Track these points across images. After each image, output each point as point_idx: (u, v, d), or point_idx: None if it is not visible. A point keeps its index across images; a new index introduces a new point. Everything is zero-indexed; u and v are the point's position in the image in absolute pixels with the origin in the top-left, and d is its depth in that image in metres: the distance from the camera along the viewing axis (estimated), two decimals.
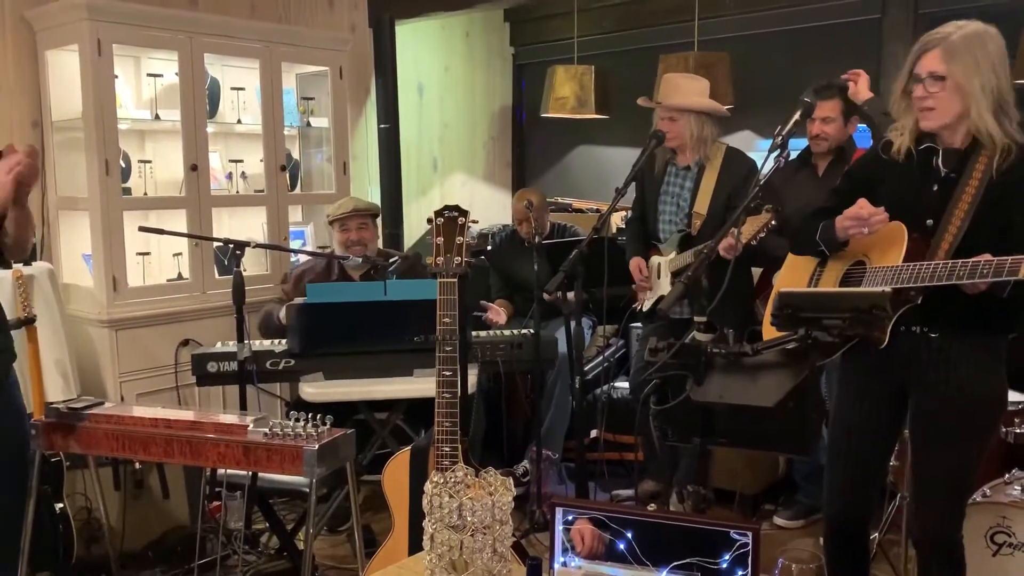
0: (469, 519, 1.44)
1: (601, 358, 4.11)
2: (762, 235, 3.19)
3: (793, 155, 3.58)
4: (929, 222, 2.07)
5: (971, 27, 2.04)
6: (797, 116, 2.16)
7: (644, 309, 3.68)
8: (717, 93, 3.58)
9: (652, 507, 1.62)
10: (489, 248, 4.64)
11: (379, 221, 3.82)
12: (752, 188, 2.09)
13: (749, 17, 4.66)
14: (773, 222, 3.16)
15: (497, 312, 3.84)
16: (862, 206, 2.06)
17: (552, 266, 3.23)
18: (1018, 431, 2.72)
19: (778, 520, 3.63)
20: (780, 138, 2.08)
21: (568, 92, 4.93)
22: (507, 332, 3.58)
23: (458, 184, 5.63)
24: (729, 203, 3.39)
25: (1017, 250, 1.87)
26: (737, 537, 1.41)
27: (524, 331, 3.51)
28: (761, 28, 4.66)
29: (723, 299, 2.15)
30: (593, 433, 3.99)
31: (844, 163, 3.34)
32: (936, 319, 2.06)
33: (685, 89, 3.44)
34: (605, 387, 4.14)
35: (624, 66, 5.07)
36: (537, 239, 3.50)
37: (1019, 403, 2.98)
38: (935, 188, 2.10)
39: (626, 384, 4.09)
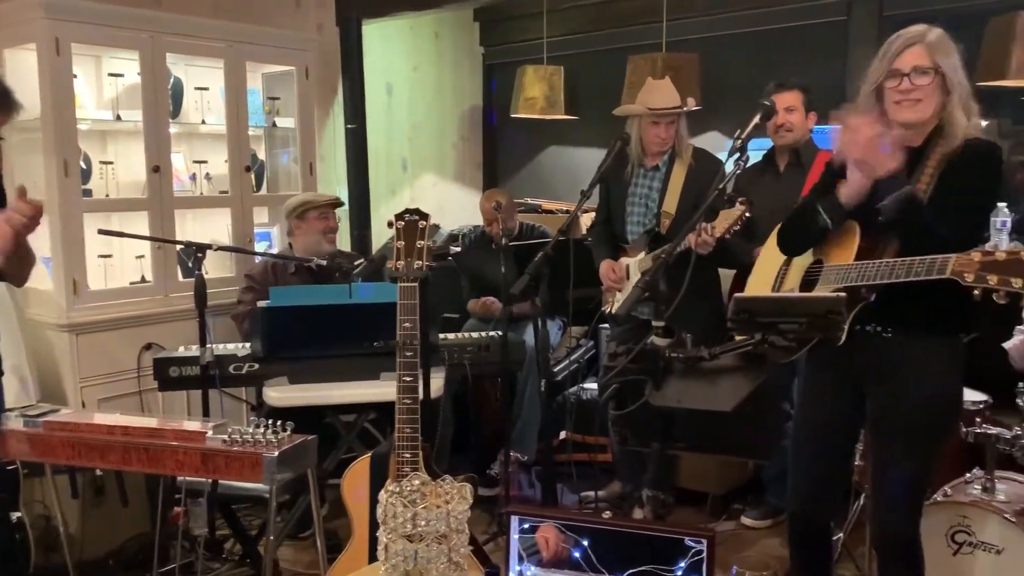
0: (423, 528, 1.42)
1: (568, 360, 4.09)
2: (736, 228, 3.20)
3: (757, 156, 3.60)
4: (881, 219, 2.08)
5: (938, 29, 2.10)
6: (757, 119, 2.16)
7: (613, 311, 3.68)
8: (685, 94, 3.59)
9: (607, 515, 1.61)
10: (458, 250, 4.62)
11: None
12: (711, 191, 2.08)
13: (716, 19, 4.67)
14: (747, 214, 3.18)
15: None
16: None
17: (519, 267, 3.22)
18: (978, 431, 2.74)
19: (746, 520, 3.63)
20: (740, 141, 2.08)
21: (538, 93, 4.92)
22: (475, 334, 3.56)
23: (428, 185, 5.60)
24: (698, 203, 3.40)
25: (954, 244, 1.89)
26: (692, 544, 1.40)
27: (492, 333, 3.50)
28: (728, 30, 4.67)
29: (691, 301, 2.15)
30: (562, 435, 3.98)
31: (801, 165, 3.36)
32: (891, 318, 2.08)
33: (671, 91, 3.47)
34: (574, 388, 4.13)
35: (594, 67, 5.07)
36: (505, 240, 3.48)
37: (980, 403, 3.01)
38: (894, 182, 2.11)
39: (595, 385, 4.09)
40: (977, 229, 2.11)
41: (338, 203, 3.84)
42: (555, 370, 3.98)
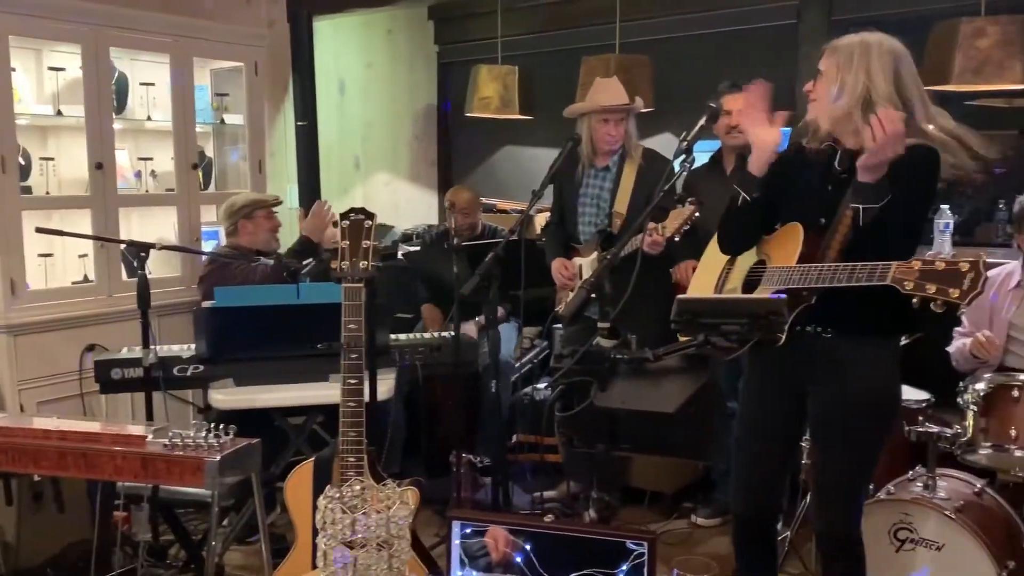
0: (363, 535, 1.39)
1: (519, 363, 4.08)
2: (686, 228, 3.22)
3: (705, 158, 3.63)
4: (822, 221, 2.11)
5: (867, 36, 2.13)
6: (703, 121, 2.18)
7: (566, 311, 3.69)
8: (636, 94, 3.61)
9: (549, 518, 1.60)
10: (410, 250, 4.59)
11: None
12: (657, 193, 2.09)
13: (669, 20, 4.70)
14: (696, 214, 3.20)
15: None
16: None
17: (473, 268, 3.20)
18: (920, 430, 2.79)
19: (697, 519, 3.66)
20: (686, 143, 2.09)
21: (492, 92, 4.90)
22: (426, 335, 3.53)
23: (381, 184, 5.55)
24: (648, 203, 3.42)
25: (893, 248, 1.93)
26: (634, 547, 1.40)
27: (443, 333, 3.48)
28: (681, 32, 4.70)
29: (639, 302, 2.14)
30: (515, 437, 3.97)
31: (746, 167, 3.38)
32: (831, 319, 2.10)
33: (620, 89, 3.48)
34: (527, 389, 4.12)
35: (548, 67, 5.06)
36: (456, 241, 3.46)
37: (922, 402, 3.07)
38: (830, 188, 2.15)
39: (548, 385, 4.08)
40: (911, 237, 2.12)
41: (279, 203, 3.85)
42: (515, 365, 3.97)
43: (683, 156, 2.11)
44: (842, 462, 2.19)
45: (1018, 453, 2.65)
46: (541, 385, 4.16)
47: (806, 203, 2.15)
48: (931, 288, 1.75)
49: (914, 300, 1.78)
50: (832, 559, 2.26)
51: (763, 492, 2.34)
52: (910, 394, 3.11)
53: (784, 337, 1.95)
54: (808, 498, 3.10)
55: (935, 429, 2.72)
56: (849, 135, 2.13)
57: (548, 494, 3.70)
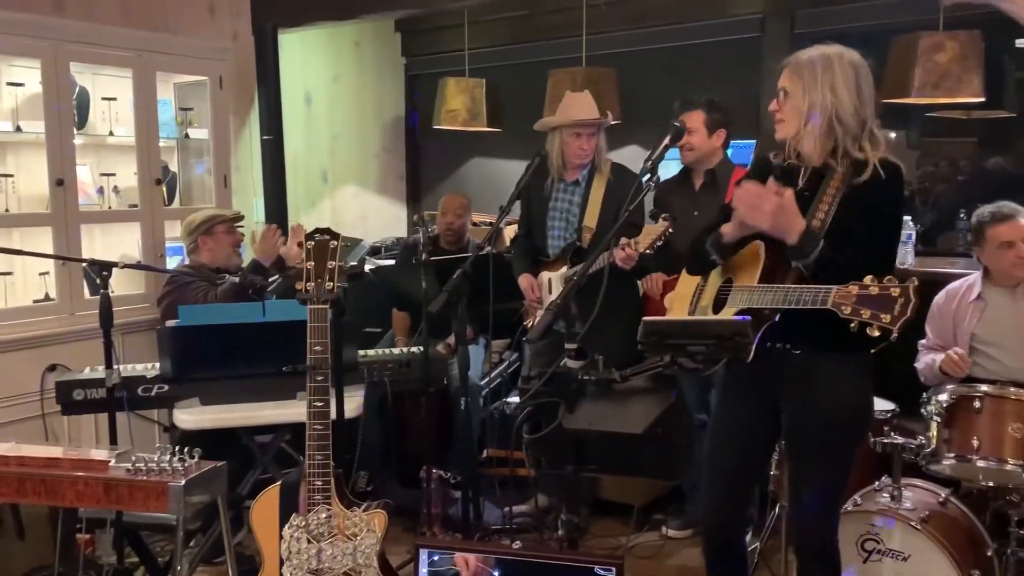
0: (328, 564, 1.37)
1: (489, 377, 4.06)
2: (659, 243, 3.24)
3: (675, 168, 3.65)
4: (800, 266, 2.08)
5: (826, 49, 2.13)
6: (667, 140, 2.18)
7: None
8: (604, 108, 3.62)
9: (517, 544, 1.60)
10: (379, 265, 4.57)
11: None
12: (623, 212, 2.09)
13: (635, 34, 4.73)
14: (670, 230, 3.22)
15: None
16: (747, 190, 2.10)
17: (442, 284, 3.18)
18: (885, 440, 2.82)
19: (667, 531, 3.66)
20: (651, 162, 2.09)
21: (459, 105, 4.90)
22: (395, 351, 3.51)
23: (349, 196, 5.52)
24: (618, 217, 3.45)
25: (853, 271, 1.90)
26: (602, 572, 1.39)
27: (412, 349, 3.46)
28: (646, 45, 4.73)
29: (606, 320, 2.13)
30: (485, 452, 3.95)
31: (716, 184, 3.41)
32: (797, 336, 2.11)
33: (591, 104, 3.49)
34: (497, 403, 4.11)
35: (515, 79, 5.07)
36: (425, 256, 3.43)
37: (887, 412, 3.10)
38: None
39: (518, 399, 4.07)
40: (879, 254, 2.10)
41: (241, 217, 3.82)
42: (482, 383, 3.96)
43: (648, 176, 2.11)
44: (815, 475, 2.20)
45: (980, 463, 2.68)
46: (512, 399, 4.16)
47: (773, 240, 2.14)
48: (866, 313, 1.76)
49: (852, 325, 1.79)
50: (809, 566, 2.27)
51: (732, 503, 2.35)
52: (875, 405, 3.14)
53: (751, 355, 1.96)
54: (776, 509, 3.13)
55: (900, 440, 2.75)
56: (812, 152, 2.14)
57: (518, 509, 3.69)
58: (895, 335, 1.74)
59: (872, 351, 2.17)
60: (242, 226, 3.85)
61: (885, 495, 2.72)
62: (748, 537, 3.50)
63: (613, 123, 3.56)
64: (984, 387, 2.75)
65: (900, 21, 3.94)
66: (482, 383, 3.95)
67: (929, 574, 2.52)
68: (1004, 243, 2.96)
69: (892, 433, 2.92)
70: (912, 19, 3.80)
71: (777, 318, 2.01)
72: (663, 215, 3.24)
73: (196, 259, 3.66)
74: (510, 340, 4.34)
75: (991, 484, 2.73)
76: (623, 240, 3.23)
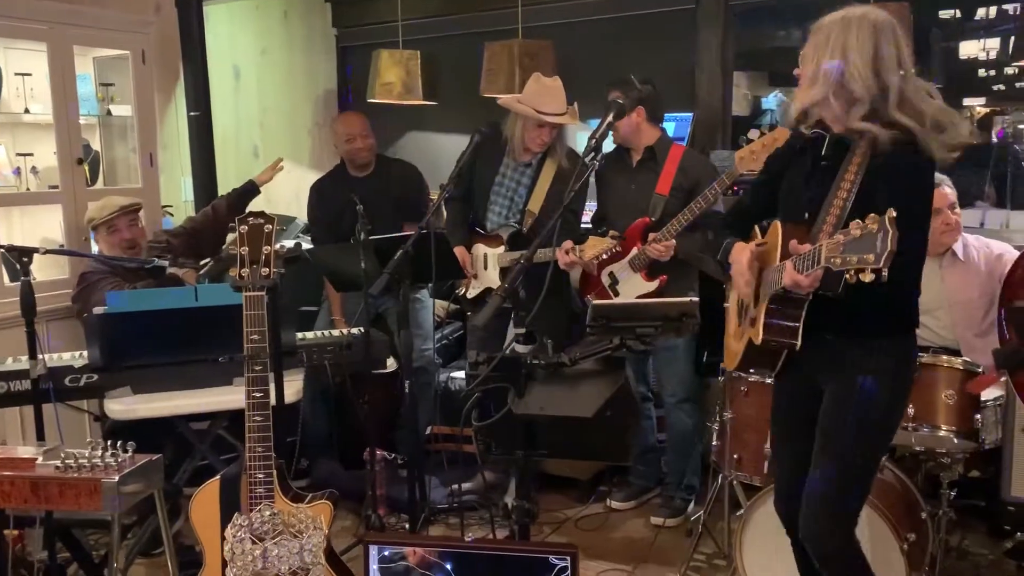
0: (275, 566, 1.33)
1: (432, 340, 4.01)
2: (604, 257, 3.24)
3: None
4: (806, 215, 2.01)
5: (850, 11, 1.99)
6: (610, 118, 2.16)
7: (469, 295, 3.67)
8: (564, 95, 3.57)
9: (470, 537, 1.57)
10: (310, 247, 4.46)
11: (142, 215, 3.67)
12: (568, 193, 2.07)
13: (571, 5, 4.68)
14: (618, 248, 3.22)
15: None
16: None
17: (381, 264, 3.11)
18: None
19: (612, 503, 3.70)
20: (594, 140, 2.06)
21: (394, 77, 4.79)
22: (335, 332, 3.44)
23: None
24: (563, 205, 3.44)
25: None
26: (556, 562, 1.38)
27: (354, 331, 3.39)
28: (582, 16, 4.69)
29: (545, 301, 2.11)
30: (429, 429, 3.93)
31: (655, 160, 3.40)
32: (827, 322, 2.00)
33: (562, 98, 3.45)
34: (442, 378, 4.08)
35: (450, 51, 4.98)
36: (363, 236, 3.33)
37: None
38: (814, 179, 2.05)
39: (462, 374, 4.05)
40: (913, 239, 1.91)
41: (130, 208, 3.52)
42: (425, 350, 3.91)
43: (592, 154, 2.09)
44: (823, 466, 2.07)
45: (915, 430, 2.75)
46: (456, 374, 4.13)
47: (792, 196, 2.06)
48: (852, 259, 1.66)
49: (848, 276, 1.69)
50: (822, 568, 2.13)
51: (798, 490, 2.17)
52: None
53: (799, 343, 1.88)
54: (719, 479, 3.18)
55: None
56: (833, 121, 2.02)
57: (465, 486, 3.67)
58: (884, 273, 1.64)
59: (908, 336, 2.06)
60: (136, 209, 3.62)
61: None
62: (690, 507, 3.60)
63: (576, 123, 3.53)
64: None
65: None
66: (431, 349, 3.90)
67: (867, 539, 2.57)
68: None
69: None
70: None
71: (810, 297, 1.91)
72: (612, 232, 3.22)
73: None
74: (455, 307, 4.29)
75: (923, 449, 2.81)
76: (568, 244, 3.22)
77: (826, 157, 2.03)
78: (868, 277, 1.66)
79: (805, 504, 2.10)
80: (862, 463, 2.07)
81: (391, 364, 3.43)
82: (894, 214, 1.66)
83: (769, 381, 3.09)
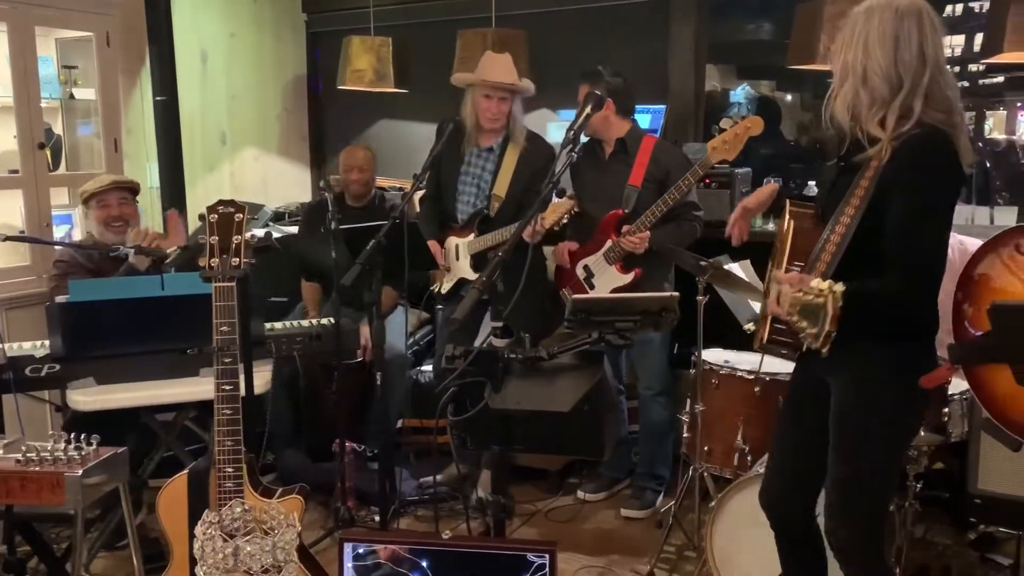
0: (247, 564, 1.30)
1: (409, 341, 3.99)
2: (564, 221, 3.22)
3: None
4: (824, 218, 1.94)
5: (873, 1, 1.87)
6: (588, 110, 2.14)
7: (443, 291, 3.64)
8: (521, 73, 3.55)
9: (447, 534, 1.55)
10: (285, 234, 4.40)
11: (138, 199, 3.55)
12: (545, 185, 2.05)
13: None
14: (576, 209, 3.20)
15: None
16: None
17: (353, 253, 3.07)
18: None
19: (582, 494, 3.70)
20: (572, 132, 2.04)
21: (365, 64, 4.73)
22: (304, 323, 3.40)
23: (250, 159, 5.29)
24: (528, 187, 3.42)
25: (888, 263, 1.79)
26: (535, 559, 1.37)
27: (323, 321, 3.35)
28: (556, 6, 4.66)
29: (523, 294, 2.10)
30: (400, 422, 3.90)
31: (626, 152, 3.39)
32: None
33: (510, 68, 3.41)
34: (412, 372, 4.05)
35: (423, 39, 4.93)
36: (334, 225, 3.30)
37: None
38: (836, 183, 1.97)
39: (430, 367, 4.03)
40: (932, 242, 1.85)
41: (122, 185, 3.41)
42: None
43: (570, 146, 2.06)
44: (837, 467, 2.01)
45: None
46: (426, 367, 4.10)
47: (822, 192, 2.01)
48: (803, 324, 1.66)
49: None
50: (846, 569, 2.08)
51: (797, 485, 2.16)
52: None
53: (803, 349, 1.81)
54: (690, 471, 3.19)
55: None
56: (848, 124, 1.92)
57: (437, 478, 3.65)
58: (824, 352, 1.65)
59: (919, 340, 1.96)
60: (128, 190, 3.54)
61: None
62: (660, 498, 3.61)
63: (528, 94, 3.50)
64: None
65: None
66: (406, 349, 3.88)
67: None
68: None
69: None
70: None
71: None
72: (568, 193, 3.21)
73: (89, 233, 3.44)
74: (427, 316, 4.27)
75: None
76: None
77: (845, 159, 1.95)
78: (815, 345, 1.66)
79: (828, 507, 2.06)
80: (872, 465, 2.00)
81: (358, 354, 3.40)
82: (841, 289, 1.63)
83: (740, 374, 3.14)
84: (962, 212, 3.93)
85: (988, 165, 5.37)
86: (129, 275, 3.10)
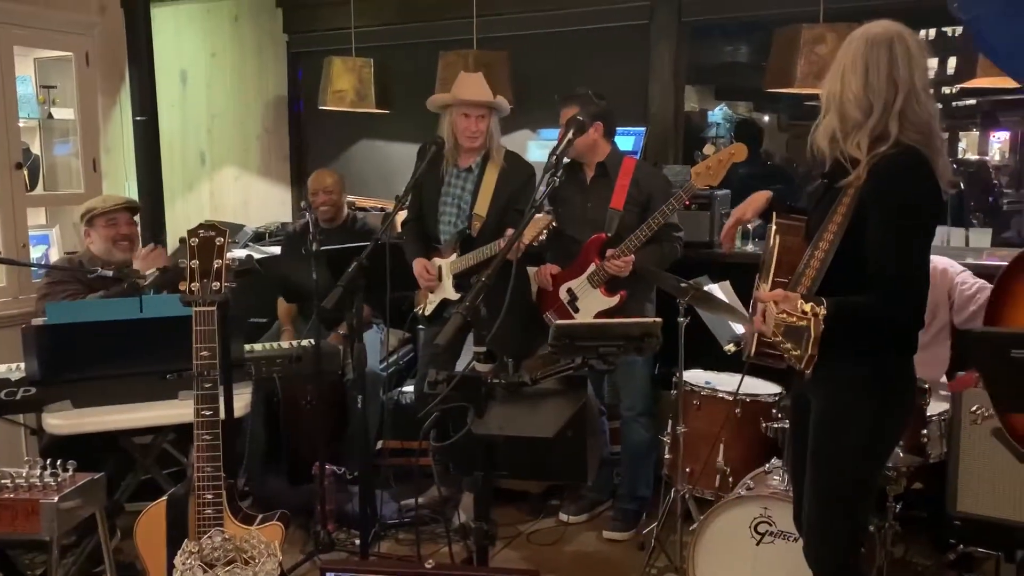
0: None
1: (385, 363, 3.97)
2: (542, 238, 3.22)
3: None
4: (809, 233, 1.98)
5: (860, 29, 1.95)
6: (571, 135, 2.15)
7: (427, 313, 3.63)
8: (496, 92, 3.57)
9: (431, 563, 1.54)
10: (266, 256, 4.38)
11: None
12: (529, 210, 2.05)
13: (525, 17, 4.68)
14: (553, 224, 3.21)
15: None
16: None
17: (334, 274, 3.06)
18: (775, 425, 2.90)
19: (564, 516, 3.69)
20: (554, 157, 2.05)
21: (347, 85, 4.74)
22: (284, 345, 3.37)
23: (230, 179, 5.27)
24: (509, 205, 3.43)
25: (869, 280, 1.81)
26: None
27: (304, 343, 3.33)
28: (537, 28, 4.69)
29: (507, 315, 2.09)
30: (379, 444, 3.87)
31: (607, 176, 3.40)
32: None
33: (483, 86, 3.43)
34: (393, 392, 4.03)
35: (404, 60, 4.95)
36: (315, 245, 3.30)
37: (775, 395, 3.19)
38: (822, 200, 2.01)
39: (412, 388, 4.00)
40: (910, 257, 1.88)
41: (131, 206, 3.50)
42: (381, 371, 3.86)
43: (552, 170, 2.07)
44: (809, 490, 2.04)
45: None
46: (407, 388, 4.08)
47: (811, 207, 2.04)
48: (787, 345, 1.68)
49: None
50: None
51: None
52: (763, 388, 3.24)
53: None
54: (672, 494, 3.19)
55: (787, 424, 2.83)
56: (829, 151, 1.98)
57: (419, 501, 3.62)
58: (808, 373, 1.68)
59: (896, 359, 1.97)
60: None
61: (776, 477, 2.80)
62: (642, 519, 3.60)
63: (504, 110, 3.51)
64: None
65: (784, 11, 4.04)
66: (380, 368, 3.86)
67: None
68: None
69: (780, 416, 3.02)
70: (796, 9, 3.90)
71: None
72: (547, 209, 3.22)
73: (89, 246, 3.42)
74: (408, 336, 4.26)
75: None
76: (508, 231, 3.19)
77: (829, 177, 1.98)
78: (798, 366, 1.68)
79: (803, 510, 2.09)
80: (842, 489, 2.01)
81: None
82: (823, 313, 1.66)
83: (720, 395, 3.16)
84: (937, 233, 3.97)
85: (962, 186, 5.44)
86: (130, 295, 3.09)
